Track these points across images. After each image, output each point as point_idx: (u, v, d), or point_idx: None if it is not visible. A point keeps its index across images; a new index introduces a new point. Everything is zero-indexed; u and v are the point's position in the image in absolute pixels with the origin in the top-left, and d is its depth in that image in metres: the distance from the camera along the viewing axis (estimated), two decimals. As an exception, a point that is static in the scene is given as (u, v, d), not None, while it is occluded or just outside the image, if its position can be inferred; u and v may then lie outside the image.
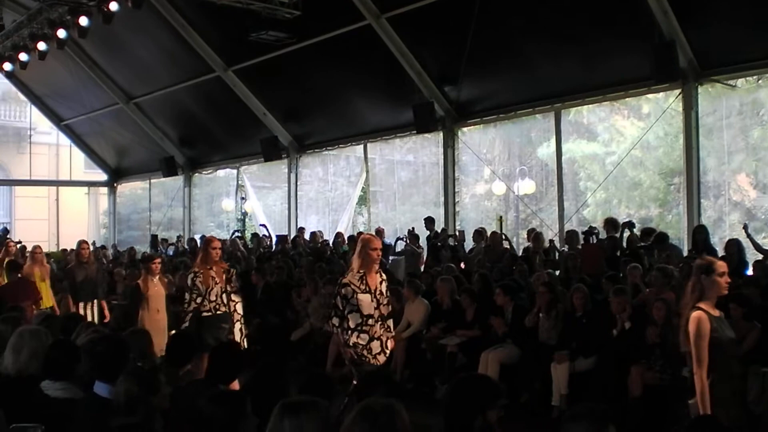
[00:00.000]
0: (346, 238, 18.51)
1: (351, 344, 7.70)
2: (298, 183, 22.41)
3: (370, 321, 7.77)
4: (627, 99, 15.89)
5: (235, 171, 24.73)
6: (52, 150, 31.51)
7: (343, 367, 12.25)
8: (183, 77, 21.46)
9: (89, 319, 11.75)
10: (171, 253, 22.50)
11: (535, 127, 17.85)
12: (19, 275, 12.01)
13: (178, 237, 24.44)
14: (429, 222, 16.63)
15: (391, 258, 16.72)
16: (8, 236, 21.34)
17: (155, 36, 20.43)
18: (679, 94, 14.10)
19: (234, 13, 15.96)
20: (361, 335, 7.72)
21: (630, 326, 9.34)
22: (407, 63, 16.75)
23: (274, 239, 20.55)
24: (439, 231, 16.51)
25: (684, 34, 13.27)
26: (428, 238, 16.32)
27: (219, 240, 10.46)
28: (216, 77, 20.46)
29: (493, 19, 14.82)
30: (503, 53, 15.57)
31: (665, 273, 10.31)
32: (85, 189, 31.55)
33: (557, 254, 14.04)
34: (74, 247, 14.55)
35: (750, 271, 11.24)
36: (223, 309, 9.49)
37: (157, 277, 11.05)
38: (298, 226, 21.25)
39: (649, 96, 15.44)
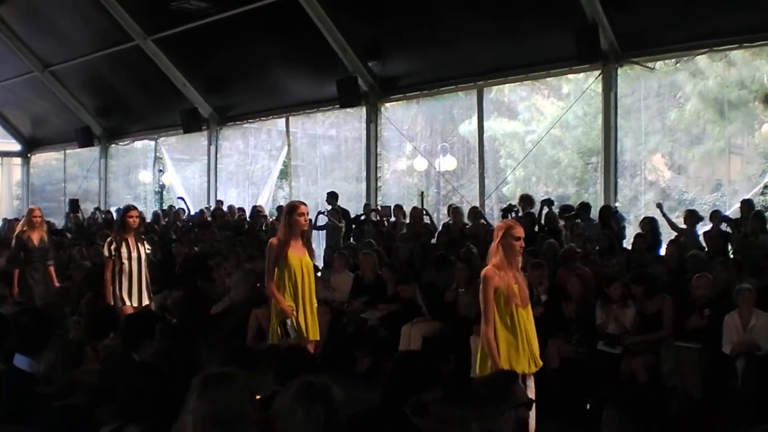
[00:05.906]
0: (267, 211, 18.38)
1: None
2: (218, 156, 22.06)
3: None
4: (548, 79, 16.12)
5: (153, 142, 24.23)
6: (-37, 119, 30.42)
7: (263, 341, 12.26)
8: (101, 45, 20.80)
9: None
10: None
11: (457, 105, 17.98)
12: None
13: (95, 209, 23.91)
14: (331, 197, 16.61)
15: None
16: None
17: (73, 3, 19.83)
18: (599, 75, 14.28)
19: (155, -19, 15.62)
20: None
21: (546, 299, 9.50)
22: (332, 37, 16.58)
23: (192, 212, 20.31)
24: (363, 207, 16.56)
25: (606, 16, 13.43)
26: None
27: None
28: (135, 46, 19.89)
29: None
30: (428, 29, 15.54)
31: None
32: (-3, 159, 30.59)
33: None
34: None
35: (663, 250, 11.53)
36: None
37: None
38: (217, 200, 20.96)
39: (570, 76, 15.70)
